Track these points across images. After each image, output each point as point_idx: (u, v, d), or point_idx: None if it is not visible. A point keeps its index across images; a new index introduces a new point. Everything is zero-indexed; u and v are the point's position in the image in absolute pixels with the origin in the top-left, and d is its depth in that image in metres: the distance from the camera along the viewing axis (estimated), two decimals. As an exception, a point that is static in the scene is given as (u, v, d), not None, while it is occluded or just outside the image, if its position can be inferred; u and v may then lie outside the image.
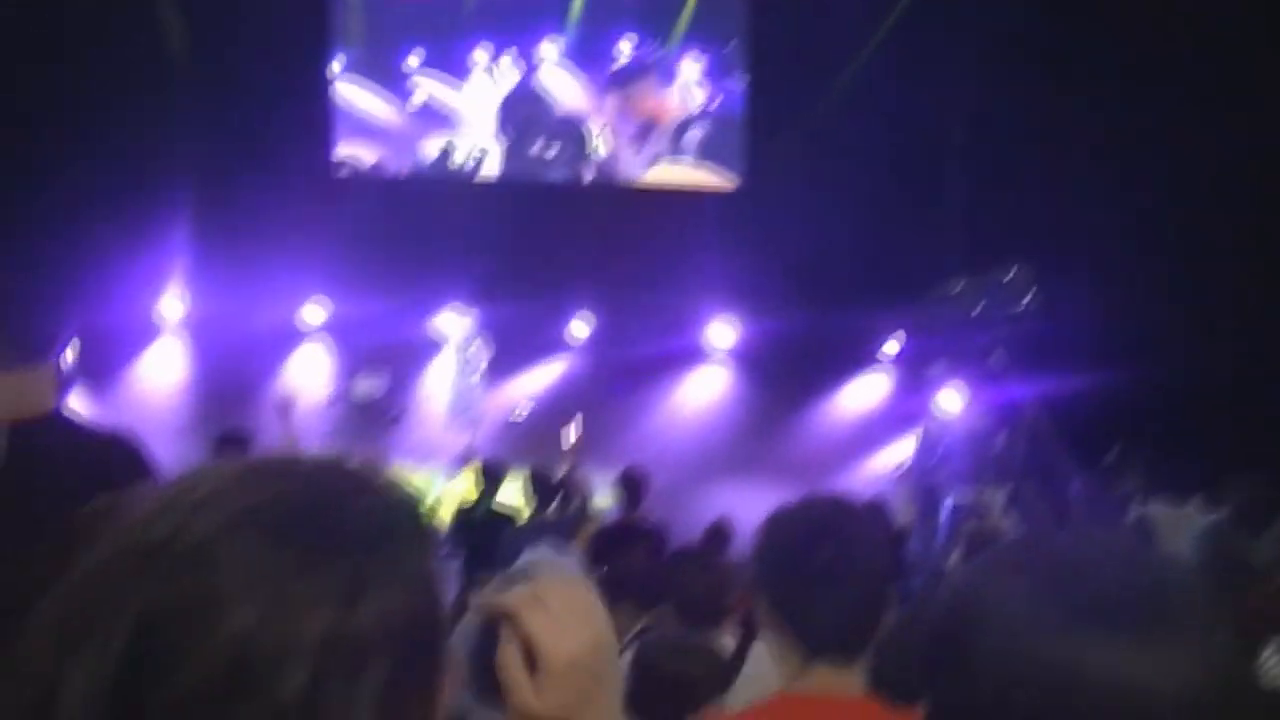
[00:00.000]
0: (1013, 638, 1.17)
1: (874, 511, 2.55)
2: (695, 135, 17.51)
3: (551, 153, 17.56)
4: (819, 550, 2.63)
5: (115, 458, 3.31)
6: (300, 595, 1.03)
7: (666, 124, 17.52)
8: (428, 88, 17.70)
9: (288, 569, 1.04)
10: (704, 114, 17.50)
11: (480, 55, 17.55)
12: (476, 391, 14.62)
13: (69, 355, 3.45)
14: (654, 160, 17.54)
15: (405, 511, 1.15)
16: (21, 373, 3.26)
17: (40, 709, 1.01)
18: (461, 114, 17.65)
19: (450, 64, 17.69)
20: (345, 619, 1.03)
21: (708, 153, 17.50)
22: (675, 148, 17.52)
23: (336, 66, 17.56)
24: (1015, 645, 1.17)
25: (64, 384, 3.43)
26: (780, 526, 2.78)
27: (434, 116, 17.76)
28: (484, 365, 14.58)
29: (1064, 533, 1.32)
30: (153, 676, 1.00)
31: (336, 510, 1.10)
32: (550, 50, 17.52)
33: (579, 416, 10.65)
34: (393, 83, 17.63)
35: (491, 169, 17.67)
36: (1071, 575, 1.19)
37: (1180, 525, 8.04)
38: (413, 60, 17.65)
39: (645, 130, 17.50)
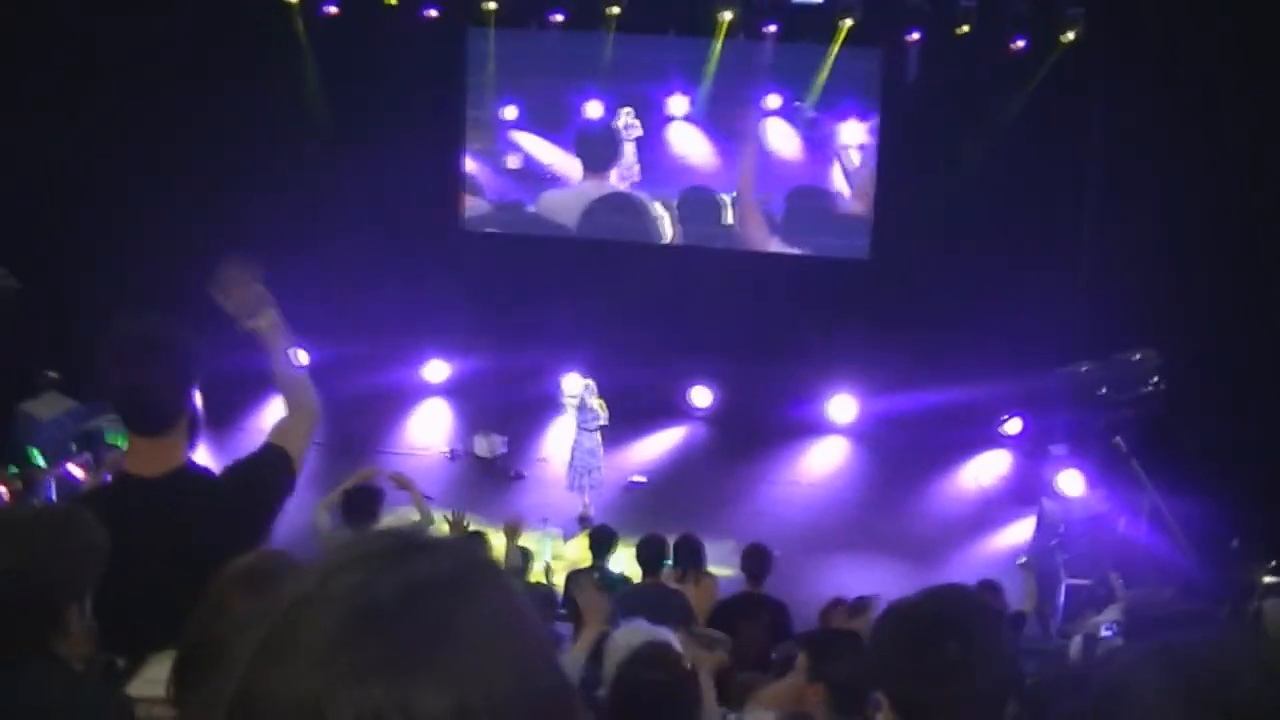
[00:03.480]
0: None
1: (993, 603, 2.38)
2: (822, 205, 17.54)
3: (678, 217, 17.75)
4: (943, 649, 2.53)
5: (243, 505, 3.65)
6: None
7: (798, 189, 17.59)
8: (528, 146, 18.02)
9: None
10: (830, 183, 17.54)
11: (593, 110, 17.73)
12: (595, 454, 14.68)
13: (197, 407, 3.77)
14: (781, 228, 17.60)
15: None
16: (157, 438, 3.69)
17: None
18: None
19: (552, 119, 17.93)
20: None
21: (834, 222, 17.53)
22: (803, 216, 17.58)
23: (510, 113, 17.89)
24: None
25: (194, 436, 3.76)
26: (902, 621, 2.70)
27: (535, 173, 18.07)
28: (602, 427, 14.63)
29: (1206, 636, 1.30)
30: None
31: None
32: (680, 105, 17.63)
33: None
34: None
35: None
36: (1217, 684, 1.18)
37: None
38: (509, 114, 17.91)
39: (773, 194, 17.59)
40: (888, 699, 2.67)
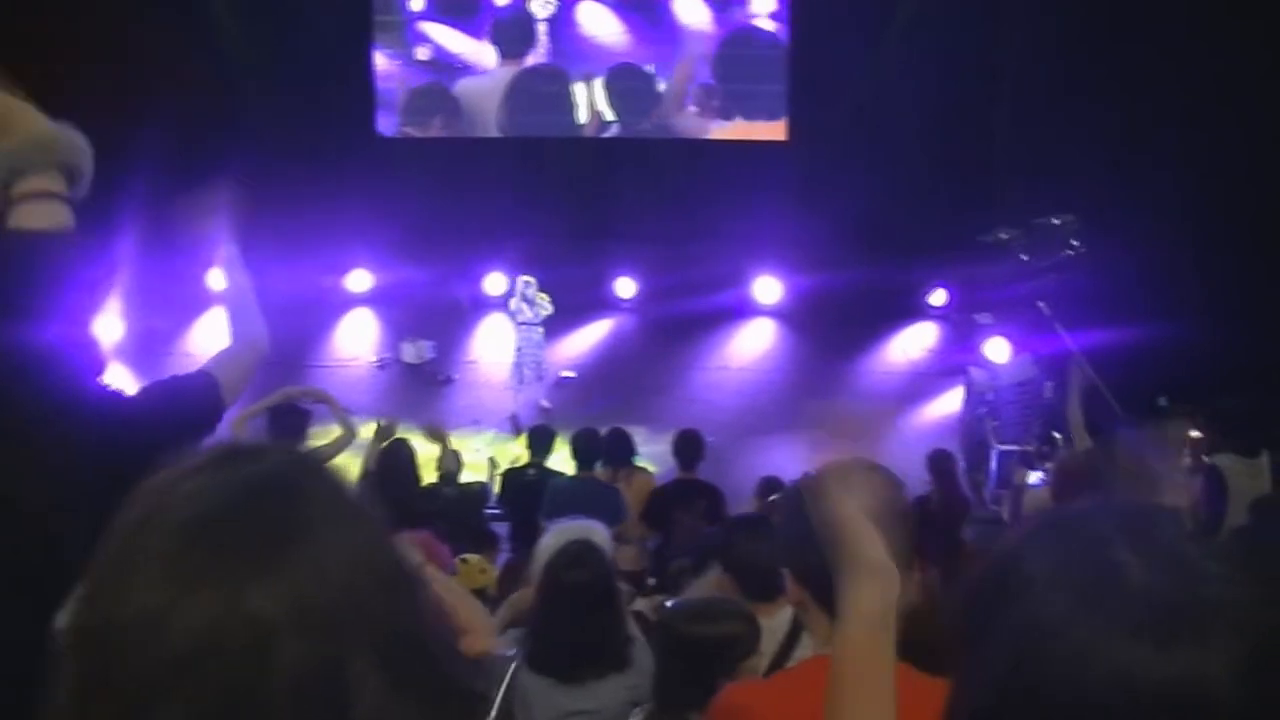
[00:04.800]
0: (1037, 624, 1.17)
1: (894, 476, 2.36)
2: (743, 86, 17.37)
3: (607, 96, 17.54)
4: None
5: (154, 430, 3.49)
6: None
7: (714, 72, 17.39)
8: (438, 37, 17.65)
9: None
10: (753, 63, 17.36)
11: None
12: (541, 347, 14.69)
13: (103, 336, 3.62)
14: (701, 111, 17.45)
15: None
16: None
17: None
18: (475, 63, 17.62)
19: (460, 7, 17.55)
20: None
21: (755, 104, 17.39)
22: (722, 99, 17.42)
23: (417, 4, 17.52)
24: (1040, 632, 1.17)
25: (97, 363, 3.61)
26: (794, 495, 2.69)
27: (448, 65, 17.72)
28: (542, 324, 14.67)
29: (1104, 508, 1.30)
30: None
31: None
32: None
33: None
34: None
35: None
36: (1106, 579, 1.18)
37: (1252, 477, 8.00)
38: (416, 5, 17.51)
39: (692, 79, 17.41)
40: (791, 573, 2.69)
